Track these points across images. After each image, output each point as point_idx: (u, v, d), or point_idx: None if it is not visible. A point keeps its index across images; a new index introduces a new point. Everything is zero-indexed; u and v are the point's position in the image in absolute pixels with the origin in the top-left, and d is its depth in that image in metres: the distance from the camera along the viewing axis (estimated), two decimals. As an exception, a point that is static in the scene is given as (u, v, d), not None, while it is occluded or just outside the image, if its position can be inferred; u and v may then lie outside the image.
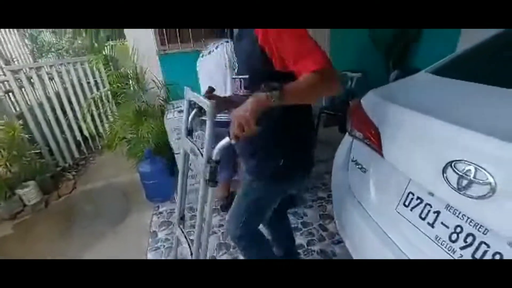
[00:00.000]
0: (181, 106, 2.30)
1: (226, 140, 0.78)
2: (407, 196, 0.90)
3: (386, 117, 1.01)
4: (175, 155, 2.22)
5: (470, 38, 1.20)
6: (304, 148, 1.03)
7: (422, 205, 0.85)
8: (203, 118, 0.95)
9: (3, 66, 2.91)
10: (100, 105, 3.43)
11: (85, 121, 3.25)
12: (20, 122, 2.39)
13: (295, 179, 1.07)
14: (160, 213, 2.23)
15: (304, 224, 1.95)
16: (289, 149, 0.99)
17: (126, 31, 2.57)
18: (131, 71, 2.53)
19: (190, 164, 2.25)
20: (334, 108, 2.82)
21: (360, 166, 1.14)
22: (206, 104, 0.82)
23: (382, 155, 0.98)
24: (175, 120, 2.10)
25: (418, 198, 0.87)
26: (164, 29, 2.57)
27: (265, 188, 1.05)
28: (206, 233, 0.97)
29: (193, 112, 1.02)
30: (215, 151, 0.81)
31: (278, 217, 1.34)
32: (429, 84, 1.12)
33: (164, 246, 1.88)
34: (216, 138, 0.83)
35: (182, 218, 1.24)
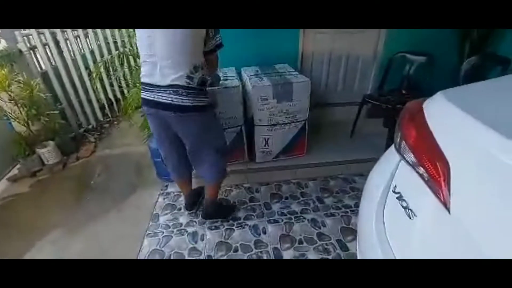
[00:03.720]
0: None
1: None
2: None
3: (466, 142, 0.62)
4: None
5: None
6: None
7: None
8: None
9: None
10: (119, 67, 3.29)
11: (111, 84, 3.16)
12: (38, 80, 2.32)
13: None
14: (168, 194, 2.09)
15: (320, 236, 1.65)
16: None
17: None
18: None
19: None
20: (381, 97, 2.31)
21: (405, 205, 0.78)
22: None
23: (446, 205, 0.61)
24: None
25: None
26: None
27: None
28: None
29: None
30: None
31: None
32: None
33: (162, 233, 1.74)
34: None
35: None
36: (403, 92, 2.27)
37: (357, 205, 1.83)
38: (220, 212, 1.79)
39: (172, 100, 1.31)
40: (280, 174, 2.14)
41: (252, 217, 1.81)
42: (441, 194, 0.62)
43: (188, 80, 1.29)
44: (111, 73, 3.01)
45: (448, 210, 0.60)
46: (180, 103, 1.31)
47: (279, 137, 2.07)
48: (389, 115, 2.65)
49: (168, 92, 1.30)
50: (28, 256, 1.65)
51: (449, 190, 0.60)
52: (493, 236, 0.53)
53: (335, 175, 2.16)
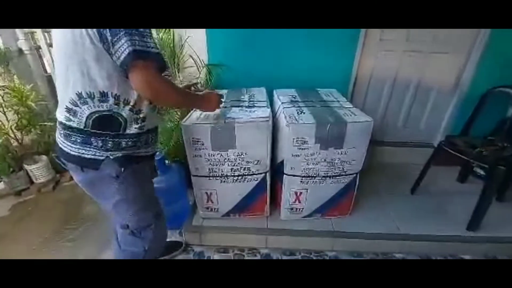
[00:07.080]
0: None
1: None
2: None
3: None
4: (192, 177, 1.49)
5: None
6: None
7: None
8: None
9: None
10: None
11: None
12: (31, 86, 1.97)
13: None
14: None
15: None
16: None
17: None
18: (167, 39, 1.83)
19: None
20: (469, 149, 1.61)
21: None
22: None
23: None
24: (196, 127, 1.33)
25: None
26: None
27: None
28: None
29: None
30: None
31: None
32: None
33: None
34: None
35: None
36: (505, 145, 1.56)
37: None
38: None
39: (60, 144, 0.90)
40: (311, 242, 1.55)
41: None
42: None
43: (67, 114, 0.84)
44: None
45: None
46: (63, 149, 0.88)
47: (317, 193, 1.49)
48: (468, 166, 1.95)
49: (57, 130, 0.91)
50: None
51: None
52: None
53: (390, 252, 1.53)
